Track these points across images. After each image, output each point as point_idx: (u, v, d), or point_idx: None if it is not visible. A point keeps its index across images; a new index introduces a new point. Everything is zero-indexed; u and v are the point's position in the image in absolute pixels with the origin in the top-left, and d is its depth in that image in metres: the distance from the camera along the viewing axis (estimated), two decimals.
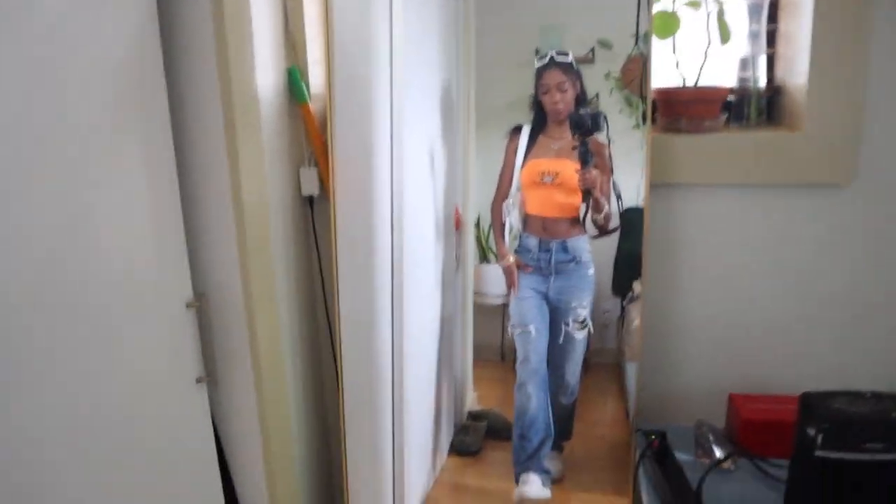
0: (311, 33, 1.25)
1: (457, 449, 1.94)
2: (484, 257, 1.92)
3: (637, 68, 1.32)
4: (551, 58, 1.46)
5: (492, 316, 1.91)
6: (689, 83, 1.26)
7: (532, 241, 1.64)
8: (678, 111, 1.22)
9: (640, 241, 1.33)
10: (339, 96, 1.17)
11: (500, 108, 1.72)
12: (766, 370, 1.31)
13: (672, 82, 1.28)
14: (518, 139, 1.67)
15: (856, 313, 1.28)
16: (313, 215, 1.31)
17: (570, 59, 1.46)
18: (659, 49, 1.23)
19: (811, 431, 0.94)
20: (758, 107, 1.27)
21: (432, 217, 1.71)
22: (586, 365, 1.69)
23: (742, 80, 1.29)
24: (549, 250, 1.62)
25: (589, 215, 1.51)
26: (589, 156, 1.37)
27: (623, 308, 1.62)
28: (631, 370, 1.48)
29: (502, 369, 1.92)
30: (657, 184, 1.24)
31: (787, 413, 1.10)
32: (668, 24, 1.19)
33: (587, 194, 1.46)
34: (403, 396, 1.57)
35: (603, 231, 1.54)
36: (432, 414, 1.84)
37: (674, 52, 1.24)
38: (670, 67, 1.26)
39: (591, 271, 1.63)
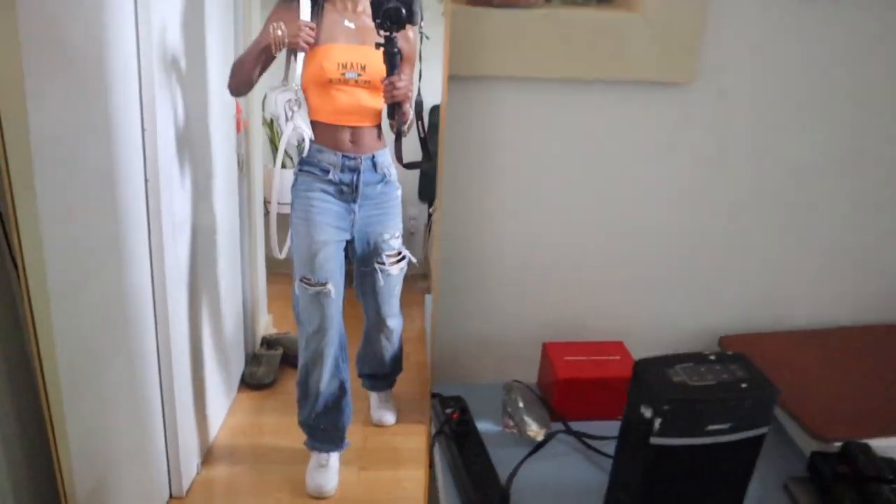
0: None
1: (247, 382, 1.81)
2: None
3: None
4: None
5: (282, 227, 1.67)
6: None
7: (331, 158, 1.35)
8: None
9: None
10: None
11: None
12: (581, 309, 1.14)
13: None
14: (295, 9, 1.35)
15: (684, 240, 1.13)
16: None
17: None
18: None
19: (647, 413, 0.77)
20: None
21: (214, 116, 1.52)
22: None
23: None
24: (355, 169, 1.35)
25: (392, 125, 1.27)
26: (398, 57, 1.08)
27: (430, 215, 1.59)
28: (429, 302, 1.28)
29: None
30: (457, 76, 0.97)
31: (609, 367, 0.95)
32: None
33: (393, 109, 1.20)
34: (169, 335, 1.38)
35: (399, 137, 1.31)
36: (212, 348, 1.66)
37: None
38: None
39: (399, 192, 1.40)
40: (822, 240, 1.16)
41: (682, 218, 1.12)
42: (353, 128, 1.38)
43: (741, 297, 1.18)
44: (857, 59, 1.05)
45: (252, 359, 1.89)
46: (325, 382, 1.48)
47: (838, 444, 0.91)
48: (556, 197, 1.08)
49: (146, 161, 1.28)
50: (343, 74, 1.32)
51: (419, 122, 1.28)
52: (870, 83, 1.07)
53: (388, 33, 1.15)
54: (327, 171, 1.39)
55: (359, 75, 1.30)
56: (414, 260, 1.54)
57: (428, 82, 1.33)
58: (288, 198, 1.48)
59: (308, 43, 1.30)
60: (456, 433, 0.95)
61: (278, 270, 1.86)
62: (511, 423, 0.97)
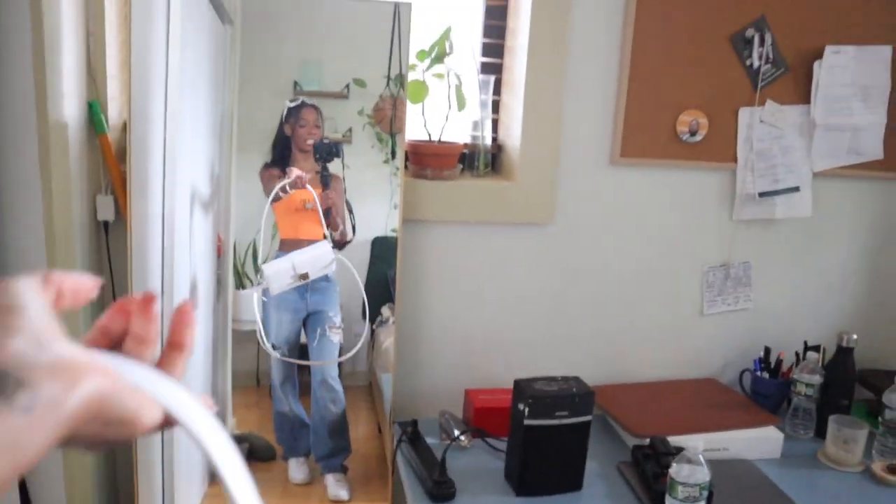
0: (111, 71, 1.47)
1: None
2: (240, 283, 2.17)
3: (388, 108, 1.62)
4: (303, 100, 1.68)
5: (246, 342, 2.15)
6: (435, 138, 1.68)
7: None
8: (425, 162, 1.63)
9: (388, 268, 1.64)
10: (136, 130, 1.41)
11: (260, 133, 1.82)
12: (493, 369, 1.75)
13: (421, 136, 1.69)
14: (273, 170, 1.96)
15: (554, 320, 1.78)
16: (108, 240, 1.51)
17: (316, 103, 1.69)
18: (412, 110, 1.63)
19: (521, 406, 1.38)
20: (485, 160, 1.72)
21: (201, 244, 1.86)
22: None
23: (474, 138, 1.74)
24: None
25: (328, 234, 1.80)
26: (329, 179, 1.70)
27: (373, 331, 1.83)
28: (386, 380, 1.85)
29: (257, 394, 2.07)
30: (408, 220, 1.63)
31: (508, 401, 1.54)
32: (419, 91, 1.59)
33: (327, 213, 1.78)
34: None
35: (340, 245, 1.76)
36: (185, 444, 1.85)
37: (423, 113, 1.65)
38: (420, 125, 1.67)
39: (338, 288, 1.93)
40: (643, 320, 1.82)
41: (551, 307, 1.76)
42: (307, 241, 1.96)
43: (598, 356, 1.81)
44: (653, 207, 1.76)
45: None
46: (296, 409, 1.96)
47: (648, 439, 1.52)
48: (471, 293, 1.72)
49: (164, 283, 1.80)
50: (304, 206, 1.93)
51: (351, 215, 1.86)
52: (657, 221, 1.77)
53: (323, 163, 1.75)
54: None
55: (312, 205, 1.90)
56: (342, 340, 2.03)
57: (373, 218, 1.76)
58: (244, 315, 1.93)
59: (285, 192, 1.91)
60: (411, 440, 1.53)
61: (238, 384, 2.26)
62: (445, 434, 1.56)
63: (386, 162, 1.61)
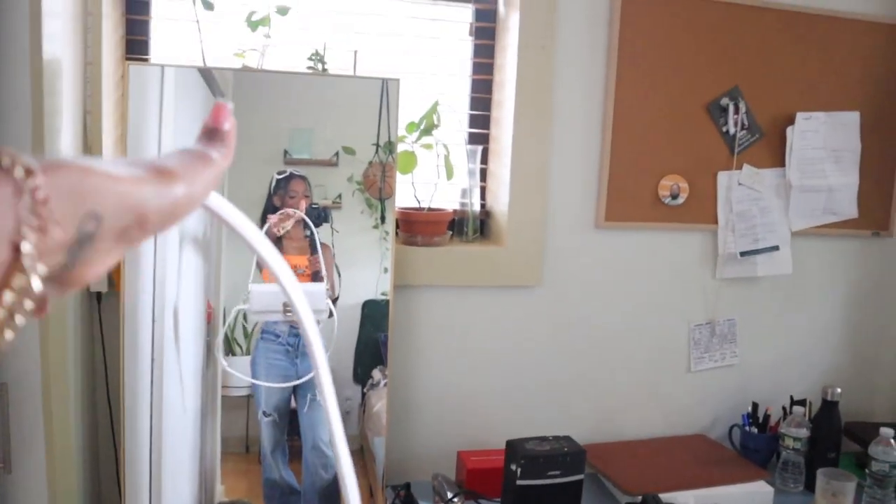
0: (107, 149, 1.53)
1: None
2: (229, 350, 2.20)
3: (377, 175, 1.65)
4: (291, 172, 1.71)
5: (236, 408, 2.17)
6: (425, 205, 1.74)
7: (282, 328, 1.97)
8: (415, 229, 1.69)
9: (378, 331, 1.66)
10: None
11: (250, 202, 1.81)
12: (485, 431, 1.78)
13: (411, 204, 1.75)
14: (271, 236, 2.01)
15: (544, 380, 1.82)
16: (100, 310, 1.55)
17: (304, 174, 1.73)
18: (402, 179, 1.69)
19: (513, 467, 1.41)
20: (474, 226, 1.78)
21: (190, 312, 1.86)
22: None
23: (462, 205, 1.81)
24: (297, 335, 1.95)
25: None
26: (318, 243, 1.73)
27: (364, 394, 1.84)
28: (378, 443, 1.87)
29: (246, 461, 2.09)
30: (399, 285, 1.68)
31: (500, 462, 1.56)
32: (408, 162, 1.66)
33: (316, 277, 1.79)
34: (161, 487, 1.77)
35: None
36: None
37: (412, 182, 1.71)
38: (410, 194, 1.73)
39: (328, 351, 1.95)
40: (632, 378, 1.86)
41: (541, 367, 1.81)
42: None
43: (588, 415, 1.85)
44: (638, 268, 1.82)
45: None
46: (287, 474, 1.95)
47: (640, 496, 1.55)
48: (462, 355, 1.76)
49: (154, 351, 1.82)
50: (297, 272, 1.97)
51: (339, 277, 1.89)
52: (643, 282, 1.83)
53: (313, 227, 1.79)
54: (279, 336, 1.99)
55: (304, 271, 1.95)
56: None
57: (363, 281, 1.78)
58: (233, 381, 1.95)
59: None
60: (405, 503, 1.55)
61: (227, 449, 2.26)
62: (438, 497, 1.58)
63: (375, 227, 1.63)
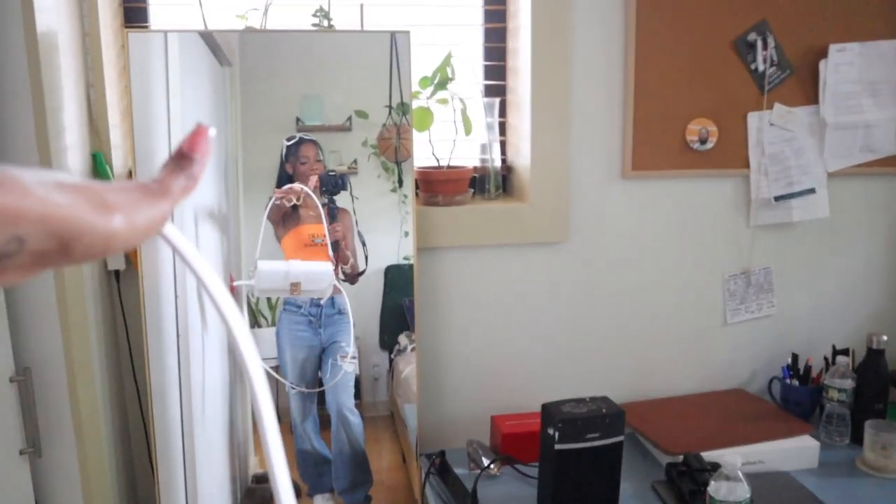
0: (114, 121, 1.48)
1: None
2: (254, 322, 2.17)
3: (392, 137, 1.59)
4: (300, 137, 1.68)
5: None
6: (443, 164, 1.68)
7: (302, 298, 1.93)
8: (435, 189, 1.63)
9: (403, 296, 1.63)
10: (140, 177, 1.41)
11: (265, 172, 1.81)
12: (518, 393, 1.74)
13: (429, 163, 1.69)
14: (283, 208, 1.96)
15: (576, 339, 1.77)
16: (120, 289, 1.51)
17: (315, 138, 1.68)
18: (419, 137, 1.63)
19: (550, 431, 1.36)
20: (496, 183, 1.72)
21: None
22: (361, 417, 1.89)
23: (483, 161, 1.74)
24: (319, 305, 1.91)
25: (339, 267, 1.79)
26: (336, 211, 1.70)
27: (391, 360, 1.83)
28: (409, 410, 1.84)
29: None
30: (423, 248, 1.63)
31: (536, 426, 1.52)
32: (425, 118, 1.60)
33: (335, 246, 1.77)
34: (195, 462, 1.76)
35: (352, 279, 1.76)
36: (227, 480, 2.00)
37: (430, 140, 1.65)
38: (427, 152, 1.67)
39: (351, 320, 1.91)
40: (666, 333, 1.81)
41: (572, 326, 1.75)
42: None
43: (623, 374, 1.80)
44: (668, 219, 1.75)
45: (246, 493, 2.27)
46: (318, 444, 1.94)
47: (681, 456, 1.50)
48: (490, 317, 1.71)
49: (179, 328, 1.80)
50: (313, 241, 1.93)
51: (364, 247, 1.85)
52: (672, 233, 1.76)
53: (330, 196, 1.75)
54: (300, 307, 1.96)
55: (322, 240, 1.90)
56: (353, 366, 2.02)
57: (384, 247, 1.74)
58: (259, 353, 1.94)
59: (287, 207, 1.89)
60: (440, 471, 1.51)
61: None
62: (473, 464, 1.54)
63: (393, 190, 1.60)
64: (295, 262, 1.79)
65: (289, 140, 1.69)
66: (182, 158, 0.44)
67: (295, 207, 1.94)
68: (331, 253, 1.78)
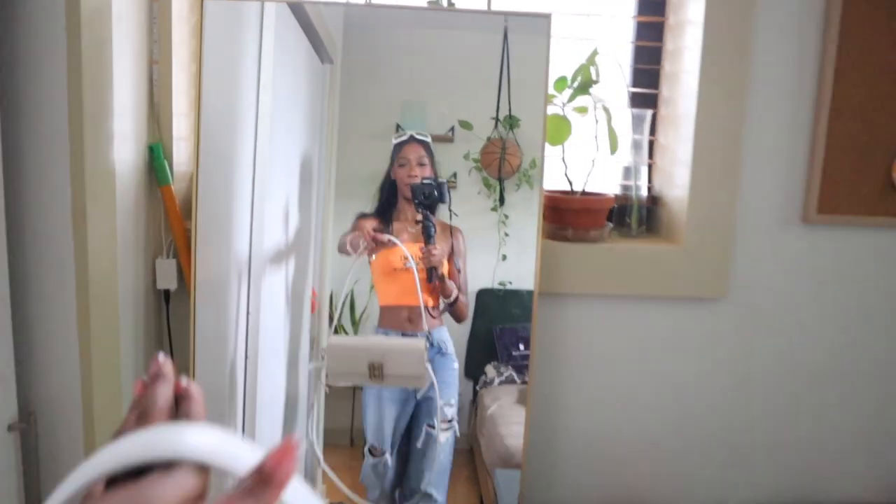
0: (180, 108, 1.23)
1: None
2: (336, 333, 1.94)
3: (497, 151, 1.41)
4: (411, 135, 1.50)
5: (341, 397, 1.90)
6: (577, 189, 1.36)
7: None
8: (566, 220, 1.31)
9: (493, 323, 1.45)
10: (204, 179, 1.15)
11: (360, 181, 1.71)
12: (642, 478, 1.40)
13: (558, 186, 1.37)
14: (370, 219, 1.68)
15: (724, 422, 1.40)
16: (168, 311, 1.25)
17: (428, 138, 1.51)
18: (550, 153, 1.32)
19: None
20: (639, 217, 1.39)
21: (284, 301, 1.70)
22: None
23: (624, 189, 1.41)
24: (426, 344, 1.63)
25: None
26: (433, 229, 1.41)
27: (475, 392, 1.64)
28: (500, 476, 1.51)
29: (350, 454, 1.86)
30: (544, 293, 1.30)
31: None
32: (561, 129, 1.28)
33: (431, 273, 1.48)
34: None
35: (457, 315, 1.52)
36: None
37: (563, 158, 1.33)
38: (558, 172, 1.35)
39: (456, 365, 1.64)
40: (843, 426, 1.42)
41: (721, 406, 1.39)
42: (410, 307, 1.66)
43: (781, 472, 1.42)
44: (860, 278, 1.37)
45: None
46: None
47: None
48: (620, 384, 1.38)
49: (248, 340, 1.58)
50: (405, 264, 1.64)
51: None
52: (869, 300, 1.38)
53: (424, 210, 1.47)
54: None
55: (413, 264, 1.61)
56: (457, 433, 1.73)
57: (478, 269, 1.56)
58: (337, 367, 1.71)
59: (374, 249, 1.62)
60: None
61: (330, 442, 2.05)
62: None
63: (493, 209, 1.46)
64: (376, 340, 1.59)
65: (397, 137, 1.52)
66: (262, 480, 0.40)
67: (386, 221, 1.67)
68: (417, 283, 1.51)
